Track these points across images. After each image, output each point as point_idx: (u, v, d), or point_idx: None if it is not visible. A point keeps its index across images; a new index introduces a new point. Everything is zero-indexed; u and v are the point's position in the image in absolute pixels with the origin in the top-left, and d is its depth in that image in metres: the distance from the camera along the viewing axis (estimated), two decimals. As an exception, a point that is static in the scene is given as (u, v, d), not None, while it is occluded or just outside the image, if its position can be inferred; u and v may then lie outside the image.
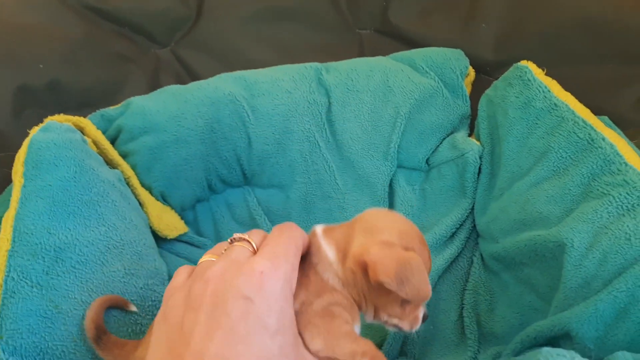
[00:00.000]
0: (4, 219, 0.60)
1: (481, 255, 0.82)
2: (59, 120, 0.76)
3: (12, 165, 0.68)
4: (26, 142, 0.66)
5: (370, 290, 0.48)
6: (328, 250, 0.49)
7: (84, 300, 0.58)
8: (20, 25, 0.83)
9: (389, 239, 0.47)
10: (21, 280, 0.56)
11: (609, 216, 0.65)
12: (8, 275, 0.56)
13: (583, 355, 0.55)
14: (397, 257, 0.45)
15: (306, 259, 0.49)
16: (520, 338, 0.66)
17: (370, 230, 0.48)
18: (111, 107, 0.84)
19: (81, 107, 0.84)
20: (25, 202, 0.61)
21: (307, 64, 0.91)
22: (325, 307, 0.46)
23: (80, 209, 0.63)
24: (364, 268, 0.46)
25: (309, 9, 1.00)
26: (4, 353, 0.53)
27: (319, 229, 0.51)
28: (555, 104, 0.78)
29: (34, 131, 0.69)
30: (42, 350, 0.54)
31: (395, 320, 0.50)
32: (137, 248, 0.66)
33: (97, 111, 0.83)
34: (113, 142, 0.81)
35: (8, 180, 0.71)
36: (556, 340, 0.61)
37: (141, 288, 0.64)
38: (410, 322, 0.51)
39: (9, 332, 0.53)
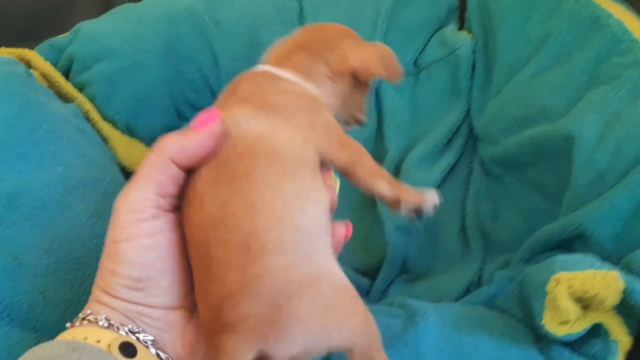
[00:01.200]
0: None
1: (481, 160, 0.76)
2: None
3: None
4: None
5: (349, 94, 0.51)
6: (293, 76, 0.48)
7: (47, 249, 0.52)
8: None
9: (352, 39, 0.51)
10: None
11: (621, 101, 0.58)
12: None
13: (601, 256, 0.50)
14: (373, 50, 0.50)
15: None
16: (529, 244, 0.61)
17: (330, 43, 0.50)
18: (60, 36, 0.76)
19: (27, 38, 0.75)
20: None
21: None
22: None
23: (30, 149, 0.56)
24: (354, 73, 0.49)
25: None
26: (-37, 314, 0.48)
27: (264, 67, 0.49)
28: (553, -16, 0.70)
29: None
30: (7, 307, 0.49)
31: (360, 115, 0.55)
32: (102, 187, 0.59)
33: (45, 41, 0.75)
34: (67, 74, 0.73)
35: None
36: (569, 242, 0.56)
37: (111, 230, 0.58)
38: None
39: (-34, 291, 0.48)
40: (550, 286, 0.43)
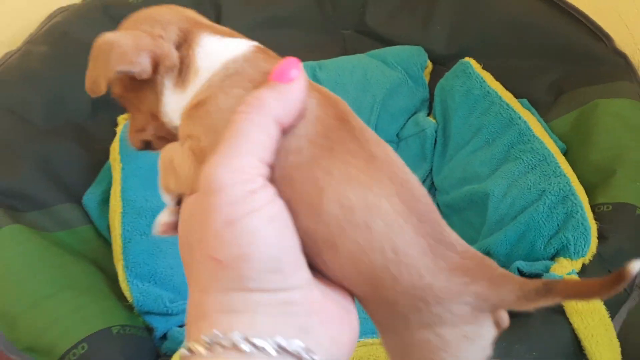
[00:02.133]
0: (112, 192, 0.90)
1: (437, 204, 1.13)
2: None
3: (104, 154, 0.97)
4: (117, 137, 0.95)
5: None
6: None
7: (174, 242, 0.88)
8: (91, 43, 1.09)
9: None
10: (133, 231, 0.86)
11: (519, 173, 0.96)
12: (124, 229, 0.86)
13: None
14: None
15: None
16: (461, 258, 0.98)
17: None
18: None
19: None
20: (126, 180, 0.90)
21: (304, 63, 1.19)
22: None
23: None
24: None
25: (302, 16, 1.28)
26: (130, 277, 0.83)
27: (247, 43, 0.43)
28: (488, 92, 1.09)
29: (119, 129, 0.97)
30: (152, 274, 0.85)
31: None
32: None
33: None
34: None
35: (99, 165, 0.99)
36: (482, 257, 0.93)
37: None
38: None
39: (132, 264, 0.84)
40: (459, 275, 0.80)
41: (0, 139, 0.93)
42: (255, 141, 0.33)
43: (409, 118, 1.19)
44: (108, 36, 0.39)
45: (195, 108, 0.38)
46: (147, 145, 0.46)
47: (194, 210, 0.34)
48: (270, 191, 0.34)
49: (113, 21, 1.14)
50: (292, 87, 0.35)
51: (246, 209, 0.31)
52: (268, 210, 0.32)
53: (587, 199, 0.91)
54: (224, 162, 0.32)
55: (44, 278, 0.79)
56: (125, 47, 0.38)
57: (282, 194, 0.35)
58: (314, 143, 0.36)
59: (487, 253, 0.92)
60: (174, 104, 0.41)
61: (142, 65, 0.39)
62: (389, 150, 0.38)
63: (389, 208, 0.35)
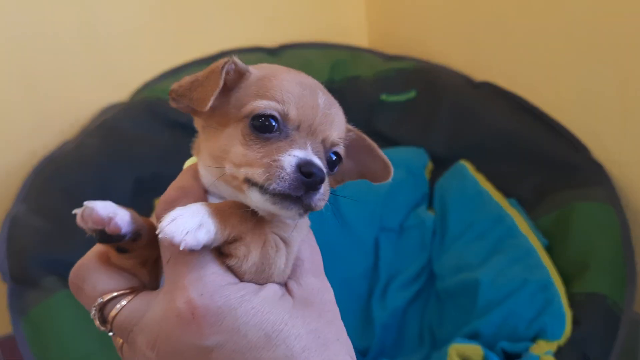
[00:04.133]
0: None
1: (435, 289, 1.25)
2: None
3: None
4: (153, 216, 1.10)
5: None
6: None
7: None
8: (135, 136, 1.27)
9: None
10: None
11: (505, 264, 1.09)
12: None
13: (485, 344, 0.98)
14: None
15: None
16: (454, 339, 1.08)
17: None
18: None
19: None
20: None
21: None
22: None
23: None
24: None
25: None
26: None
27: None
28: (480, 191, 1.24)
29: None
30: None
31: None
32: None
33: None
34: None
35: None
36: (472, 337, 1.04)
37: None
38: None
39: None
40: (449, 349, 0.91)
41: (55, 215, 1.08)
42: None
43: (411, 211, 1.33)
44: None
45: None
46: None
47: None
48: None
49: (155, 118, 1.33)
50: None
51: None
52: None
53: (564, 288, 1.03)
54: None
55: (89, 337, 0.91)
56: None
57: None
58: None
59: (476, 334, 1.03)
60: None
61: None
62: None
63: None
